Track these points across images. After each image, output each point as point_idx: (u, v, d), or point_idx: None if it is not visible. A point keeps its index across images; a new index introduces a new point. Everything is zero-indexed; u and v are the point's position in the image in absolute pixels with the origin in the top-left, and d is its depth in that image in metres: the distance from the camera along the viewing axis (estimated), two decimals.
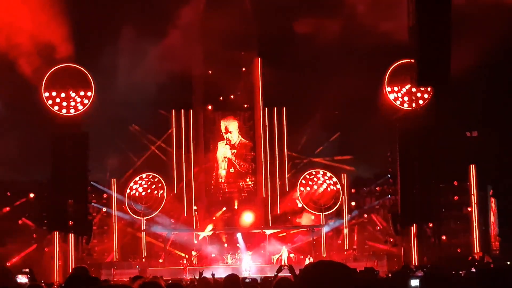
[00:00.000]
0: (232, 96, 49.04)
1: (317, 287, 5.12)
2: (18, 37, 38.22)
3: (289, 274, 11.28)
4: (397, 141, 42.41)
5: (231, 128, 48.96)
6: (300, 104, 47.34)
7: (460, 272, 28.29)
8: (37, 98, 41.66)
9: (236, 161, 48.82)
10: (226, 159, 48.86)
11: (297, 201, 47.26)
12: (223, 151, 48.99)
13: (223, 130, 48.98)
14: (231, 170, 48.95)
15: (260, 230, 46.52)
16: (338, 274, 5.13)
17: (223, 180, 48.98)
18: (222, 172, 48.96)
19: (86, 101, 42.19)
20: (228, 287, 10.98)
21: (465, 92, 38.39)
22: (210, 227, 46.16)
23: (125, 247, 46.12)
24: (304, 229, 46.60)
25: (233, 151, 48.89)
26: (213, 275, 16.29)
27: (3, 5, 38.00)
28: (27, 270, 37.08)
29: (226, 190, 48.85)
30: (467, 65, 33.64)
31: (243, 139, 48.90)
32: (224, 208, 48.27)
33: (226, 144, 48.96)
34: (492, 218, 43.98)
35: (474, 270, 27.52)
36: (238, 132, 49.00)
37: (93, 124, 42.84)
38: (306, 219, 47.30)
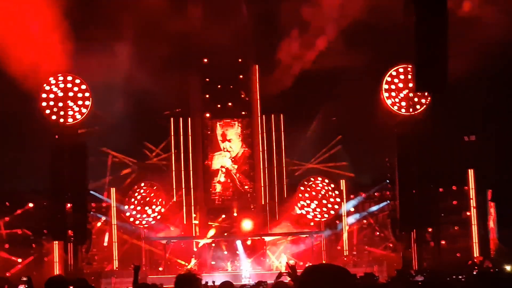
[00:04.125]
0: (230, 104, 49.05)
1: None
2: (16, 46, 38.22)
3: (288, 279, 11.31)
4: (395, 146, 42.48)
5: (230, 135, 48.90)
6: (298, 111, 47.38)
7: (460, 277, 28.32)
8: (35, 107, 41.69)
9: (237, 175, 48.75)
10: (224, 169, 48.75)
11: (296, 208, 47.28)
12: (220, 162, 48.86)
13: (219, 138, 48.91)
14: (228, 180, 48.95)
15: (259, 237, 46.53)
16: (338, 277, 5.17)
17: (221, 189, 48.90)
18: (221, 179, 48.89)
19: (84, 110, 42.26)
20: None
21: (463, 96, 38.46)
22: (212, 232, 46.12)
23: (124, 255, 46.08)
24: (303, 236, 46.59)
25: (235, 166, 48.79)
26: (213, 282, 16.40)
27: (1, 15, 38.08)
28: (25, 278, 37.10)
29: (225, 197, 48.82)
30: (465, 70, 33.70)
31: (245, 148, 48.86)
32: (223, 216, 48.29)
33: (224, 156, 48.89)
34: (492, 222, 44.00)
35: (475, 273, 27.54)
36: (240, 139, 48.92)
37: (91, 133, 42.89)
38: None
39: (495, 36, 35.58)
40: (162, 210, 46.58)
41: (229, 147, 48.86)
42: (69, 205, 41.53)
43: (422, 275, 23.41)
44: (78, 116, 42.19)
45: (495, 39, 35.57)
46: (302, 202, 47.12)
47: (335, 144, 48.23)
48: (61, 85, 42.48)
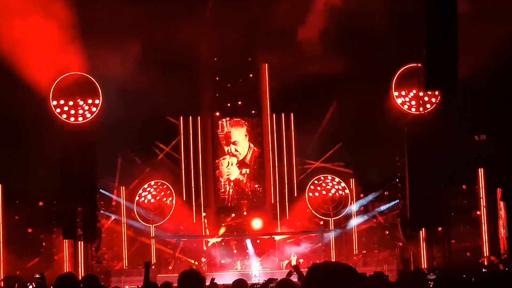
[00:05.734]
0: (239, 103, 49.02)
1: (323, 287, 5.11)
2: (26, 46, 38.31)
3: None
4: (405, 146, 42.36)
5: (235, 137, 48.62)
6: (308, 110, 47.31)
7: (471, 276, 28.19)
8: (45, 106, 41.73)
9: (249, 184, 48.59)
10: (232, 183, 48.53)
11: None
12: (226, 170, 48.65)
13: (223, 142, 48.66)
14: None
15: (269, 236, 46.52)
16: (343, 275, 5.13)
17: (231, 190, 48.78)
18: (231, 191, 48.66)
19: (94, 109, 42.24)
20: None
21: (473, 95, 38.31)
22: (222, 230, 46.12)
23: (134, 254, 46.13)
24: (313, 234, 46.59)
25: (245, 170, 48.57)
26: (213, 279, 16.27)
27: (11, 15, 38.15)
28: (38, 275, 37.19)
29: (235, 196, 48.75)
30: (475, 68, 33.61)
31: (254, 147, 48.66)
32: (233, 215, 48.31)
33: (232, 162, 48.65)
34: (501, 221, 43.84)
35: (484, 271, 27.40)
36: (247, 140, 48.76)
37: (101, 131, 42.89)
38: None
39: (507, 33, 35.43)
40: (172, 209, 46.58)
41: (235, 150, 48.67)
42: (78, 203, 41.53)
43: (434, 273, 23.33)
44: (88, 115, 42.16)
45: (507, 36, 35.42)
46: (311, 201, 47.06)
47: (344, 143, 48.15)
48: (71, 84, 42.46)
